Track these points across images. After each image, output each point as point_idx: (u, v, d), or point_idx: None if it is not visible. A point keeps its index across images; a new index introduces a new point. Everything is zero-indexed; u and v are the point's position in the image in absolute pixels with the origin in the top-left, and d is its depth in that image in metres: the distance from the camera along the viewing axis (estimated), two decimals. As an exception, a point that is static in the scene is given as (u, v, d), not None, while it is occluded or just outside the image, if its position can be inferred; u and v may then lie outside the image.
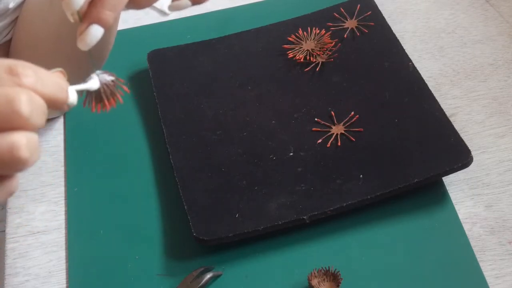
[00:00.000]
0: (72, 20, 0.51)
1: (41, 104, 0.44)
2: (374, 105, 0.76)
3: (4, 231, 0.72)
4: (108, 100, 0.50)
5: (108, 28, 0.51)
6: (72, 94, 0.47)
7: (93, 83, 0.50)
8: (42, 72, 0.45)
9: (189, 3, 0.58)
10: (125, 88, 0.51)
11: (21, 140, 0.42)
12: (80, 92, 0.49)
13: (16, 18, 0.75)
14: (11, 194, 0.46)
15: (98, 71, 0.50)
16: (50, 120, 0.82)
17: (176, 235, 0.69)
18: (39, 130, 0.44)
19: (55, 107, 0.46)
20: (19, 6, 0.74)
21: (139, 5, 0.55)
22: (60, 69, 0.48)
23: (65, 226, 0.72)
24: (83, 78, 0.50)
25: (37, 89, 0.44)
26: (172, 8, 0.58)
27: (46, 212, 0.73)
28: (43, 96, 0.44)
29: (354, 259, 0.66)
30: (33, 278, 0.68)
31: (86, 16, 0.50)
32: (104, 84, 0.50)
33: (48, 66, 0.72)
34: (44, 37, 0.71)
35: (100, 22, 0.50)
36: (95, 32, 0.50)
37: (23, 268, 0.69)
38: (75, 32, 0.52)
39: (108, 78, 0.50)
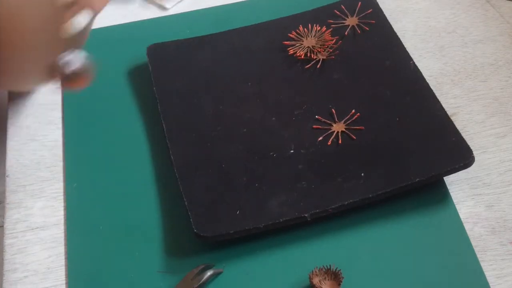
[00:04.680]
0: None
1: None
2: (375, 103, 0.76)
3: (3, 226, 0.71)
4: (80, 78, 0.52)
5: (99, 12, 0.51)
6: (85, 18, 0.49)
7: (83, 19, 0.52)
8: None
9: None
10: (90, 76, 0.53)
11: None
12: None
13: None
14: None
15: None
16: (48, 115, 0.81)
17: (176, 231, 0.69)
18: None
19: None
20: None
21: None
22: None
23: (64, 222, 0.71)
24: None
25: None
26: None
27: (44, 208, 0.72)
28: None
29: (356, 258, 0.66)
30: (31, 274, 0.67)
31: (78, 1, 0.51)
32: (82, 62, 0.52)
33: (33, 45, 0.72)
34: (29, 16, 0.71)
35: (92, 7, 0.51)
36: (84, 17, 0.51)
37: (22, 264, 0.68)
38: (60, 12, 0.52)
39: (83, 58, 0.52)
